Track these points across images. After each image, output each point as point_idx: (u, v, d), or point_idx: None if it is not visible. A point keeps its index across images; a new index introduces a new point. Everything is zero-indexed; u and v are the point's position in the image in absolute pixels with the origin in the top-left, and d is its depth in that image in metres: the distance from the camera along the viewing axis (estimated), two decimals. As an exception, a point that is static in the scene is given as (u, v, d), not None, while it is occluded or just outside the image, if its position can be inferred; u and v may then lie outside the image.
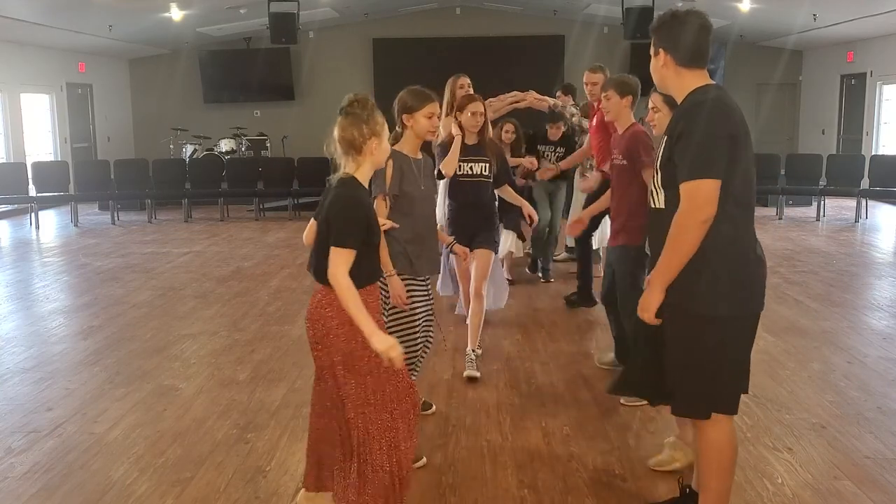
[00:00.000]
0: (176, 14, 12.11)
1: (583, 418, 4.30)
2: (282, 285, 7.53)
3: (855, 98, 14.38)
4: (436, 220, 3.97)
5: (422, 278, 3.81)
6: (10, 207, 12.39)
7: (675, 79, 2.78)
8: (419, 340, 3.83)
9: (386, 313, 3.61)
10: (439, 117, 3.84)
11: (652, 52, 2.82)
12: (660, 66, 2.79)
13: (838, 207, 12.32)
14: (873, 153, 13.14)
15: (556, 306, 6.73)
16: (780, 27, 13.49)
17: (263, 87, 15.97)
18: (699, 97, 2.71)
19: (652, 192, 2.86)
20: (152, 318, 6.46)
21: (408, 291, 3.64)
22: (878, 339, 5.70)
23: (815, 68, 15.59)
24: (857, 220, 11.32)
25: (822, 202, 11.76)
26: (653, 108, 3.86)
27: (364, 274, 2.92)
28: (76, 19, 11.95)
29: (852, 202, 11.71)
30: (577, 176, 7.82)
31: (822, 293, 6.98)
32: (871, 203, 11.93)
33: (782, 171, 12.03)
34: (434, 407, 4.39)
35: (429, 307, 3.87)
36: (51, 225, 12.01)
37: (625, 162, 4.35)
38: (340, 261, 2.82)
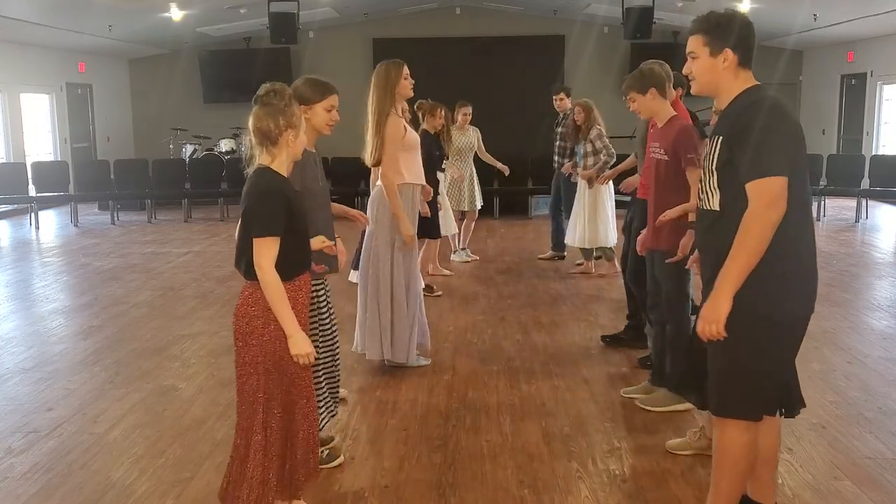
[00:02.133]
0: (176, 14, 12.09)
1: (583, 418, 4.30)
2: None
3: (855, 98, 14.37)
4: (332, 215, 3.75)
5: (323, 279, 3.63)
6: (10, 207, 12.39)
7: (731, 80, 2.73)
8: (333, 339, 3.68)
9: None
10: (338, 110, 3.71)
11: (706, 51, 2.72)
12: (721, 65, 2.71)
13: (838, 207, 12.32)
14: (873, 153, 13.13)
15: (556, 306, 6.73)
16: (780, 27, 13.48)
17: (262, 88, 15.92)
18: (756, 96, 2.68)
19: (703, 193, 2.78)
20: (152, 318, 6.46)
21: (318, 295, 3.54)
22: (879, 339, 5.70)
23: (816, 68, 15.58)
24: (857, 220, 11.32)
25: (823, 202, 11.75)
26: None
27: (292, 265, 2.84)
28: (76, 19, 11.95)
29: (852, 202, 11.71)
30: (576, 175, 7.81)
31: (822, 293, 6.89)
32: (871, 203, 11.93)
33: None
34: (342, 458, 3.79)
35: (331, 308, 3.71)
36: (51, 225, 12.01)
37: (666, 157, 4.05)
38: (264, 251, 2.74)
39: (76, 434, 4.13)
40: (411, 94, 4.83)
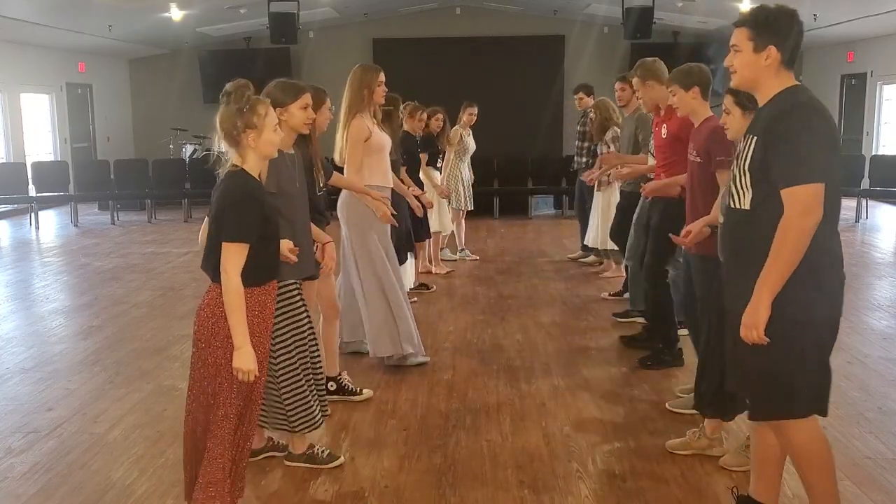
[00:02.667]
0: (176, 14, 12.09)
1: (583, 419, 4.30)
2: (282, 285, 7.52)
3: (855, 98, 14.37)
4: (309, 218, 3.71)
5: (297, 282, 3.56)
6: (10, 207, 12.39)
7: (772, 78, 2.69)
8: (309, 345, 3.59)
9: (276, 321, 3.33)
10: (314, 108, 3.69)
11: (750, 46, 2.68)
12: (763, 62, 2.67)
13: (838, 207, 12.30)
14: (873, 153, 13.13)
15: (556, 306, 6.73)
16: (780, 27, 13.46)
17: (263, 87, 15.92)
18: (797, 98, 2.65)
19: (734, 191, 2.76)
20: (152, 318, 6.46)
21: (293, 297, 3.50)
22: (878, 339, 5.69)
23: (815, 68, 15.57)
24: (857, 220, 11.32)
25: (822, 202, 11.73)
26: (725, 110, 3.48)
27: (262, 270, 2.81)
28: (76, 19, 11.94)
29: (852, 202, 11.69)
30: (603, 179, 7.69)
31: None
32: (871, 203, 11.92)
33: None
34: (342, 458, 3.82)
35: (307, 311, 3.63)
36: (51, 225, 12.01)
37: (699, 159, 4.01)
38: (232, 257, 2.71)
39: (76, 434, 4.13)
40: (382, 100, 4.87)
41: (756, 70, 2.70)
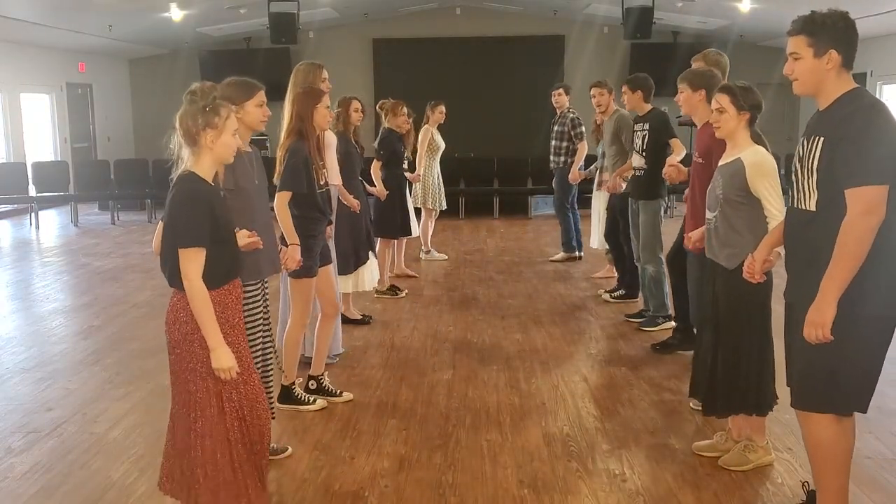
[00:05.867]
0: (176, 14, 12.09)
1: (583, 418, 4.30)
2: (282, 285, 7.52)
3: (855, 98, 14.36)
4: (270, 216, 3.65)
5: (256, 282, 3.53)
6: (10, 207, 12.39)
7: (834, 81, 2.73)
8: (258, 347, 3.54)
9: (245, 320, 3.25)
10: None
11: (811, 52, 2.72)
12: (825, 66, 2.71)
13: (838, 207, 12.30)
14: (873, 153, 13.13)
15: (556, 306, 6.73)
16: (780, 27, 13.41)
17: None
18: (860, 101, 2.69)
19: (799, 192, 2.79)
20: (152, 318, 6.46)
21: (255, 296, 3.48)
22: (878, 339, 5.69)
23: (815, 68, 15.57)
24: (857, 220, 11.30)
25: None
26: (718, 108, 3.51)
27: (221, 271, 2.81)
28: (76, 19, 11.94)
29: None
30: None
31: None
32: (871, 203, 11.91)
33: (782, 171, 11.99)
34: (290, 450, 3.87)
35: (266, 312, 3.62)
36: (51, 225, 12.01)
37: (702, 160, 4.07)
38: (189, 262, 2.71)
39: (76, 434, 4.13)
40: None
41: (818, 75, 2.74)
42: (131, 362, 5.31)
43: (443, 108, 8.32)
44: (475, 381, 4.87)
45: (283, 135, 4.26)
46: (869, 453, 3.80)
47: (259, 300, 3.55)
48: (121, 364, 5.27)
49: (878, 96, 13.66)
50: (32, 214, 11.71)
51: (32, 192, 11.95)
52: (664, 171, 4.87)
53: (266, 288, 3.64)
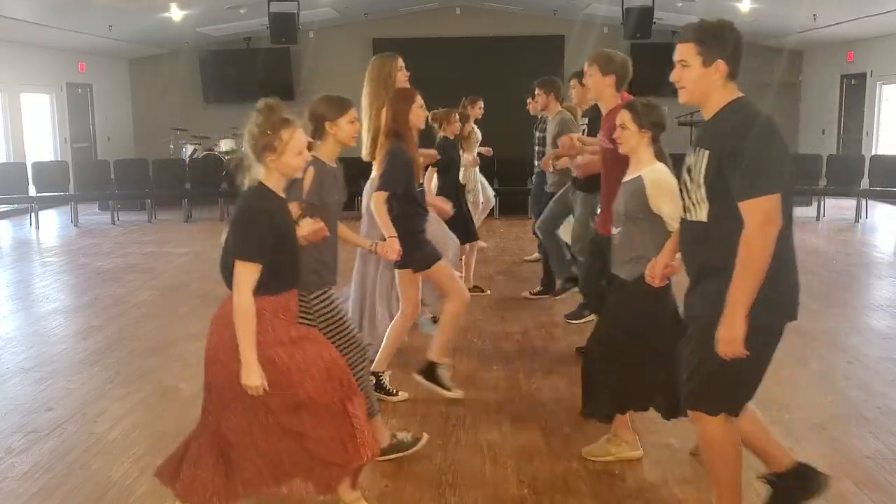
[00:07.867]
0: (176, 14, 12.10)
1: (583, 418, 4.29)
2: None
3: (855, 98, 14.37)
4: (337, 232, 3.68)
5: (322, 291, 3.52)
6: (10, 207, 12.39)
7: (720, 90, 2.73)
8: (357, 346, 3.58)
9: (321, 329, 3.37)
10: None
11: (699, 60, 2.71)
12: (712, 75, 2.70)
13: (838, 207, 12.31)
14: (873, 153, 13.13)
15: (556, 306, 6.72)
16: (779, 27, 13.47)
17: (263, 87, 15.61)
18: (745, 111, 2.69)
19: (689, 204, 2.79)
20: (152, 318, 6.46)
21: (331, 303, 3.50)
22: (878, 339, 5.70)
23: (815, 68, 15.59)
24: (857, 220, 11.32)
25: (822, 202, 11.75)
26: (621, 125, 3.55)
27: (282, 281, 2.87)
28: (76, 19, 11.95)
29: (852, 202, 11.70)
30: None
31: (822, 293, 6.98)
32: (870, 203, 11.93)
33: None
34: (426, 436, 3.91)
35: (342, 321, 3.60)
36: (51, 225, 12.01)
37: (612, 145, 4.01)
38: (243, 276, 2.76)
39: (76, 434, 4.13)
40: (407, 86, 4.77)
41: (706, 84, 2.73)
42: (131, 362, 5.31)
43: (481, 104, 8.42)
44: (475, 381, 4.87)
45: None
46: (868, 453, 3.80)
47: (330, 308, 3.52)
48: (121, 364, 5.27)
49: (878, 96, 13.70)
50: (32, 214, 11.71)
51: (32, 192, 11.94)
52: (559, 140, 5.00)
53: (335, 297, 3.61)
